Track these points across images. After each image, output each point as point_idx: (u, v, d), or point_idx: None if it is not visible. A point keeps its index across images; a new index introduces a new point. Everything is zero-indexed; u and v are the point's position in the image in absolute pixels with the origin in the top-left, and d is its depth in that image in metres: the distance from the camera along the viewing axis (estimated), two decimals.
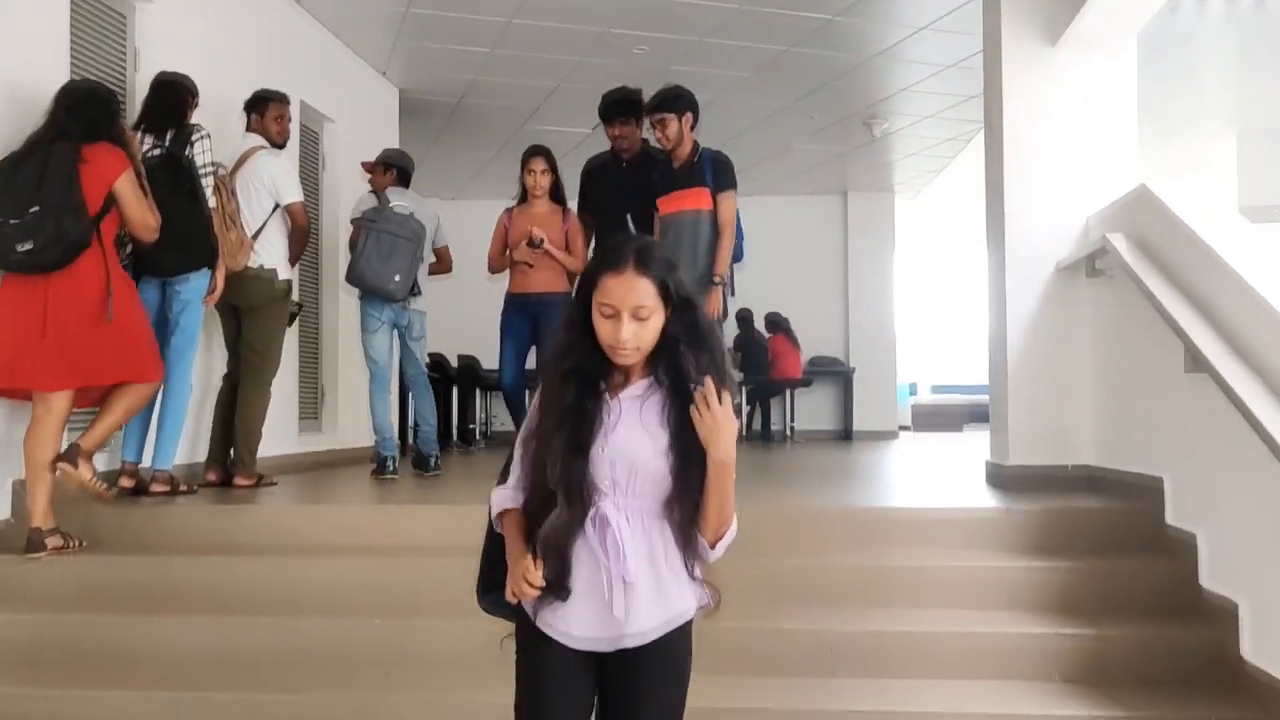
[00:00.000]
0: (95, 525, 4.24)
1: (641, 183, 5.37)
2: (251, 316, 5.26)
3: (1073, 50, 4.82)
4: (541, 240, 5.44)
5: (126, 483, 4.63)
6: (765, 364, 11.96)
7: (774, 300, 12.24)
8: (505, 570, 2.00)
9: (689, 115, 5.17)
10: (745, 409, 12.23)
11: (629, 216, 5.32)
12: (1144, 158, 8.67)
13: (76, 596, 3.89)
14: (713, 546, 1.99)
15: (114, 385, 4.19)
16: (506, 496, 2.07)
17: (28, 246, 3.85)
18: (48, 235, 3.86)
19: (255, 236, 5.13)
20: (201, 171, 4.66)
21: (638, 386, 1.99)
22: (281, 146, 5.49)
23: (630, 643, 1.96)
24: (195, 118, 4.88)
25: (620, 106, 5.50)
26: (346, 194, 7.52)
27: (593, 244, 5.66)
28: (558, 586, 1.94)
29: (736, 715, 3.12)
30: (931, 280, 15.77)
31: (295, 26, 6.99)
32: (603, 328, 1.95)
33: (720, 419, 1.87)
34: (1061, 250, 4.75)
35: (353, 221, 5.93)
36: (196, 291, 4.71)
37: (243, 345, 5.29)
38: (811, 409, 12.75)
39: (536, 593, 1.91)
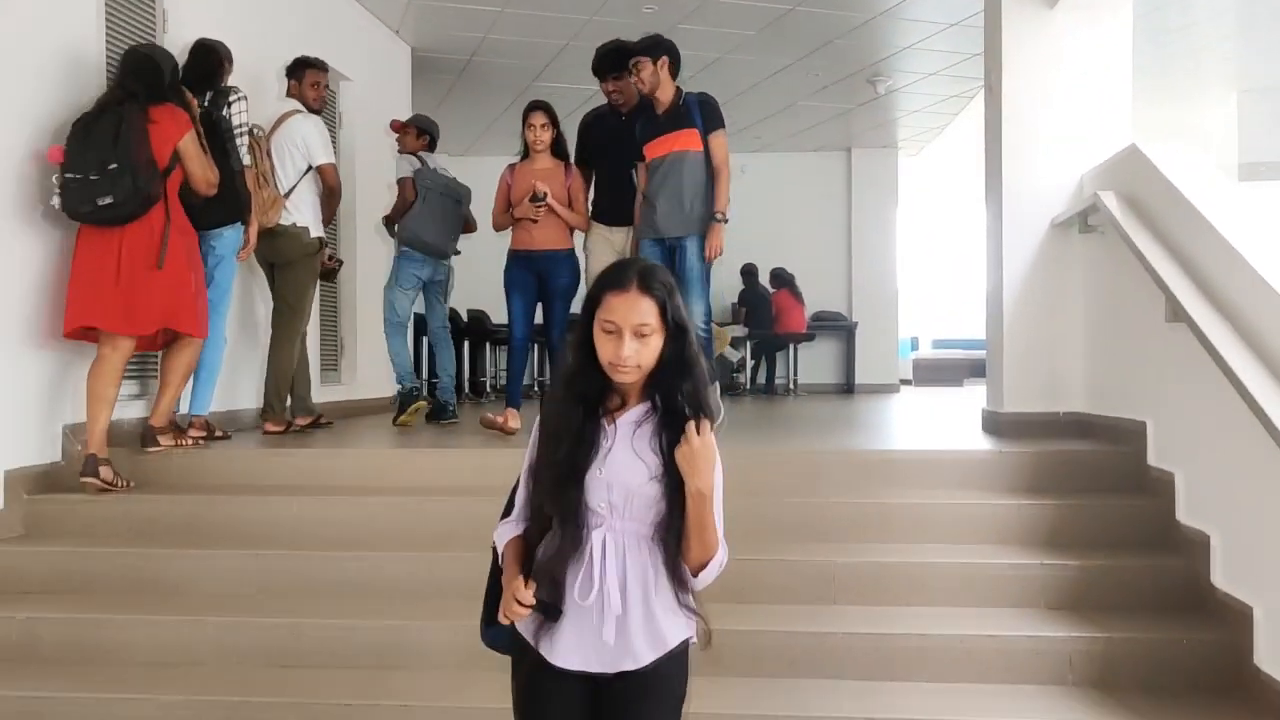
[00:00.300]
0: (140, 467, 4.51)
1: (634, 135, 5.36)
2: (284, 271, 5.57)
3: (1069, 13, 4.99)
4: (545, 194, 5.38)
5: (195, 433, 4.92)
6: (769, 318, 12.16)
7: (778, 255, 12.43)
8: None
9: (665, 60, 5.16)
10: (750, 363, 12.45)
11: (628, 169, 5.39)
12: (1146, 117, 8.85)
13: (126, 532, 4.17)
14: (695, 574, 2.00)
15: (165, 352, 4.54)
16: (509, 530, 2.10)
17: (108, 200, 4.15)
18: (125, 190, 4.15)
19: (288, 195, 5.40)
20: (236, 131, 4.92)
21: (634, 412, 2.01)
22: (317, 112, 5.74)
23: (626, 666, 1.99)
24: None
25: (611, 61, 5.49)
26: (362, 151, 7.72)
27: (591, 195, 5.69)
28: (549, 608, 1.97)
29: (743, 636, 3.37)
30: (933, 236, 15.93)
31: None
32: (604, 345, 1.96)
33: (697, 450, 1.89)
34: (1056, 207, 4.96)
35: (400, 181, 6.18)
36: (229, 246, 4.97)
37: (275, 298, 5.59)
38: (814, 363, 12.98)
39: (527, 613, 1.94)
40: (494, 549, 2.13)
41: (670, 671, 2.03)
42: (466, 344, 10.43)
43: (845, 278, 13.24)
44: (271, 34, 6.19)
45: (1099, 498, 4.02)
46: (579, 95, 9.59)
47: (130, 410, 4.87)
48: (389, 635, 3.51)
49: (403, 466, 4.67)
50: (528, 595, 1.93)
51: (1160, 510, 3.78)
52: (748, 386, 12.31)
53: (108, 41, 4.89)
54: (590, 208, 5.64)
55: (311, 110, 5.68)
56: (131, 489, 4.32)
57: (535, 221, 5.44)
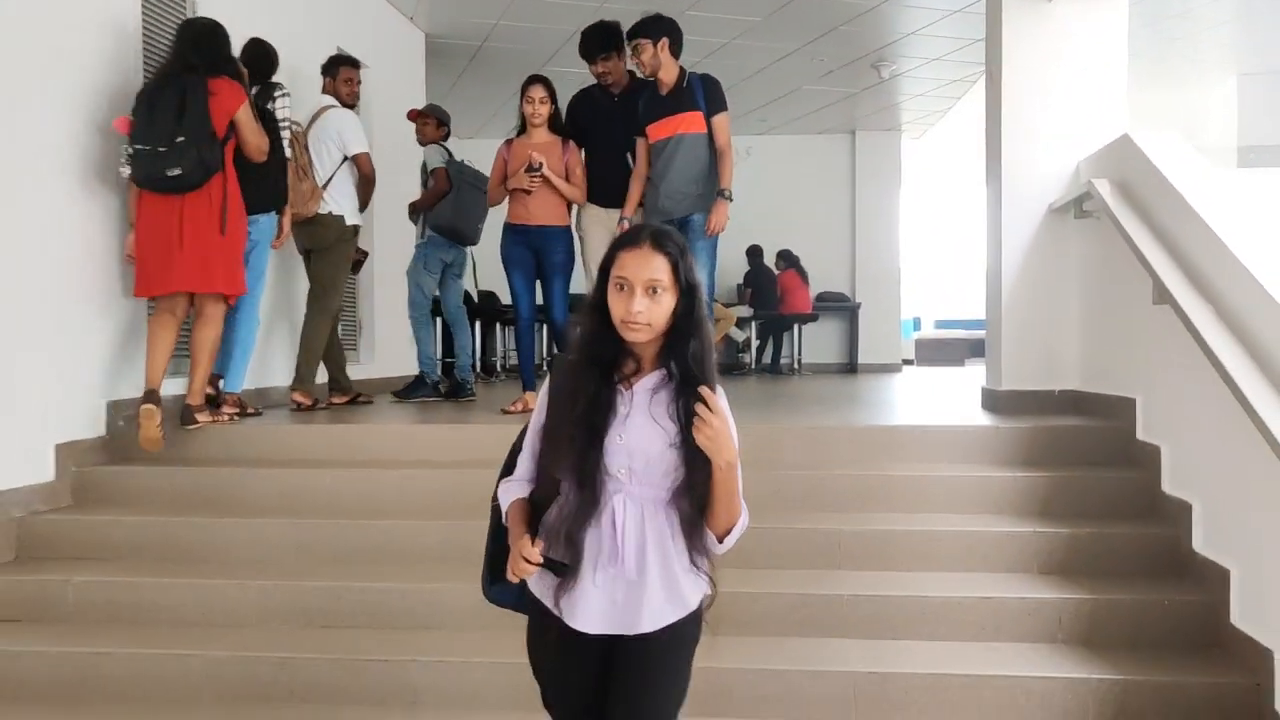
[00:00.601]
0: (178, 442, 4.74)
1: (630, 115, 5.29)
2: (320, 255, 5.91)
3: (1068, 4, 5.17)
4: (540, 164, 5.30)
5: (229, 409, 5.17)
6: (774, 298, 12.37)
7: (784, 236, 12.63)
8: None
9: (665, 40, 5.07)
10: (755, 342, 12.67)
11: (623, 149, 5.33)
12: (1146, 101, 8.99)
13: (169, 502, 4.41)
14: (721, 540, 2.05)
15: (192, 331, 4.84)
16: (515, 489, 2.13)
17: (176, 171, 4.45)
18: (192, 161, 4.46)
19: (325, 186, 5.69)
20: (281, 125, 5.21)
21: (650, 379, 2.04)
22: (351, 107, 6.06)
23: (645, 628, 2.03)
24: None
25: (597, 43, 5.40)
26: (378, 136, 7.89)
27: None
28: (557, 564, 1.99)
29: (753, 599, 3.60)
30: (936, 218, 16.11)
31: None
32: (616, 302, 2.00)
33: (718, 429, 1.90)
34: (1053, 193, 5.16)
35: (434, 171, 6.48)
36: (265, 233, 5.24)
37: (311, 281, 5.93)
38: (818, 342, 13.20)
39: (534, 570, 1.97)
40: (494, 507, 2.18)
41: (685, 628, 2.08)
42: (478, 324, 10.65)
43: (849, 259, 13.44)
44: (290, 22, 6.40)
45: (1089, 470, 4.24)
46: (588, 79, 9.82)
47: (168, 388, 5.10)
48: (423, 598, 3.74)
49: (427, 440, 4.89)
50: (535, 553, 1.95)
51: (1147, 481, 4.00)
52: (753, 366, 12.54)
53: (144, 16, 5.11)
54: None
55: (346, 105, 6.00)
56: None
57: (529, 193, 5.36)
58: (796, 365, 12.64)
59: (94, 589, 3.86)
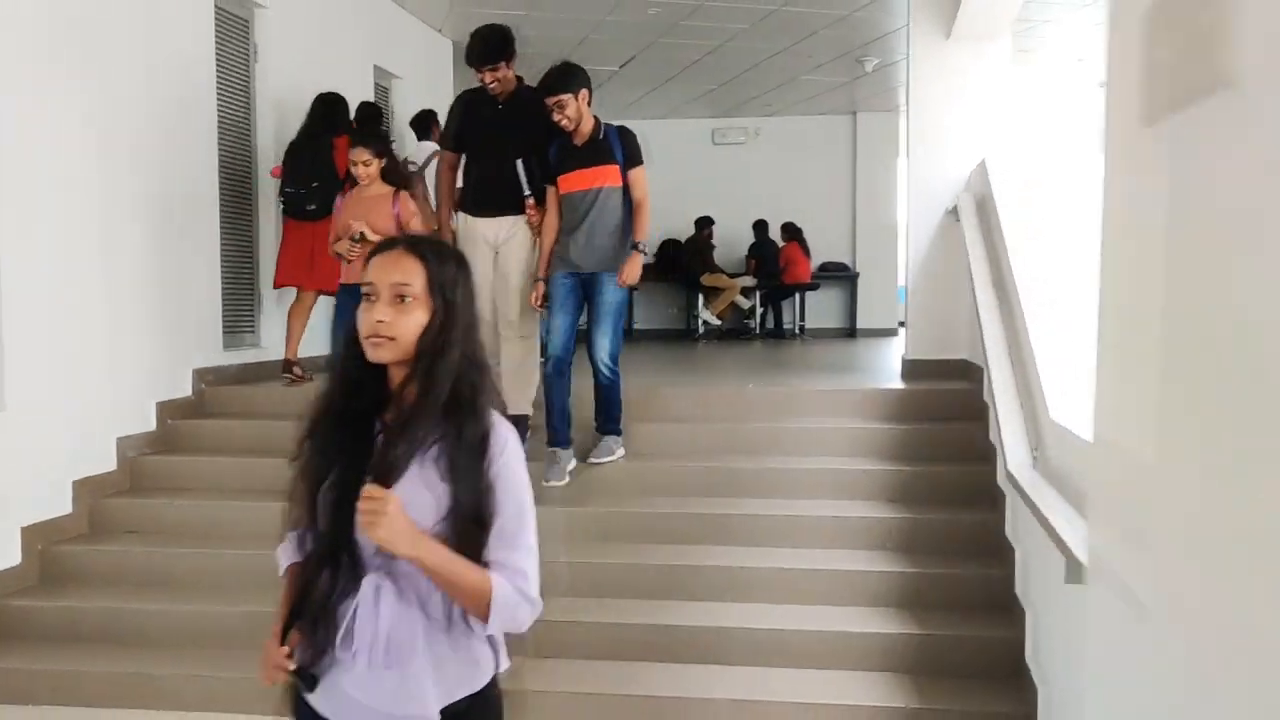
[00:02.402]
0: (254, 402, 6.13)
1: (516, 124, 5.14)
2: None
3: (960, 42, 6.31)
4: (361, 235, 5.37)
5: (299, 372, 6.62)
6: (777, 268, 13.52)
7: (788, 209, 13.74)
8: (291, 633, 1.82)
9: (584, 92, 4.96)
10: (760, 310, 13.86)
11: (512, 160, 5.14)
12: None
13: (207, 487, 5.50)
14: (484, 620, 1.76)
15: (290, 310, 6.57)
16: (290, 548, 1.89)
17: (312, 208, 6.32)
18: (323, 199, 6.19)
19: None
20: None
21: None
22: None
23: (414, 714, 1.76)
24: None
25: (482, 56, 5.10)
26: (410, 142, 9.20)
27: (459, 181, 5.50)
28: (307, 677, 1.76)
29: (686, 520, 4.89)
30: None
31: (374, 3, 8.67)
32: (361, 318, 1.75)
33: (375, 520, 1.64)
34: (948, 199, 6.32)
35: None
36: None
37: None
38: (821, 308, 14.32)
39: (284, 678, 1.76)
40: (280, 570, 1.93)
41: (472, 714, 1.82)
42: None
43: (849, 230, 14.53)
44: (339, 49, 7.72)
45: (947, 424, 5.46)
46: (599, 76, 10.96)
47: (235, 358, 6.54)
48: None
49: None
50: (285, 661, 1.75)
51: (985, 430, 5.21)
52: (758, 331, 13.75)
53: (217, 73, 6.46)
54: (460, 196, 5.43)
55: None
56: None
57: (350, 262, 5.38)
58: (799, 330, 13.79)
59: (136, 558, 4.88)
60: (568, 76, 4.93)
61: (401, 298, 1.73)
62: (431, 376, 1.73)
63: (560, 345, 5.05)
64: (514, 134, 5.14)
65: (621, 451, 5.24)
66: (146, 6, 5.69)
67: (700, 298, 13.54)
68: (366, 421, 1.78)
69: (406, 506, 1.68)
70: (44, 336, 4.88)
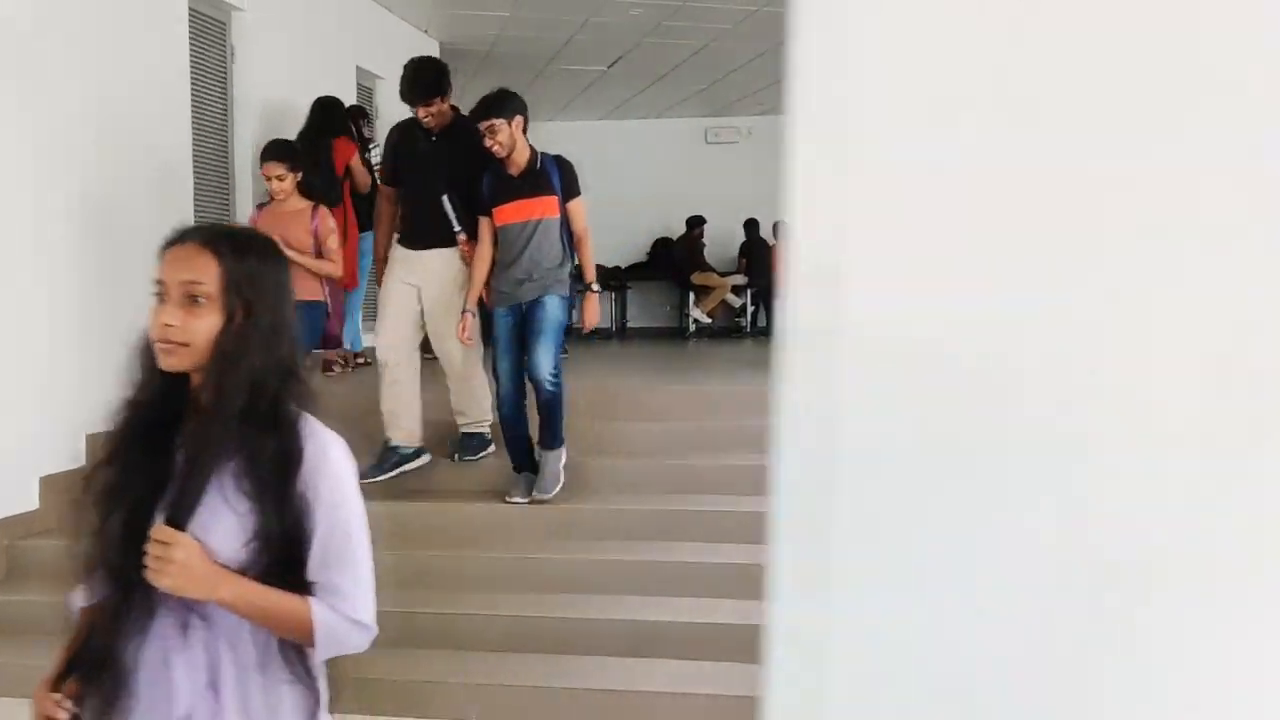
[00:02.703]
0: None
1: (449, 156, 5.05)
2: None
3: None
4: None
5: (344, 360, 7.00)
6: (768, 267, 13.55)
7: (780, 209, 13.77)
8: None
9: (519, 119, 4.79)
10: (750, 309, 13.91)
11: (441, 195, 5.01)
12: None
13: None
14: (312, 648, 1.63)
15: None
16: (82, 596, 1.71)
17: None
18: (323, 200, 6.10)
19: None
20: (375, 167, 6.93)
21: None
22: None
23: None
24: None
25: (414, 93, 5.07)
26: None
27: (398, 216, 5.37)
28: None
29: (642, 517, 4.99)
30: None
31: (357, 5, 8.77)
32: (150, 320, 1.59)
33: (163, 567, 1.51)
34: None
35: None
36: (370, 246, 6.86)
37: None
38: None
39: None
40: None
41: None
42: None
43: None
44: (321, 50, 7.82)
45: None
46: (587, 76, 11.12)
47: None
48: (513, 566, 4.71)
49: None
50: (60, 712, 1.59)
51: None
52: (749, 329, 13.81)
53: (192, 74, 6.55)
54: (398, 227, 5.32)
55: None
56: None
57: None
58: None
59: None
60: (501, 101, 4.82)
61: (194, 298, 1.58)
62: (223, 387, 1.58)
63: (510, 389, 4.94)
64: (444, 168, 5.05)
65: (564, 462, 4.97)
66: (116, 8, 5.76)
67: (691, 296, 13.61)
68: (168, 436, 1.63)
69: (207, 532, 1.57)
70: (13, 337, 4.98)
